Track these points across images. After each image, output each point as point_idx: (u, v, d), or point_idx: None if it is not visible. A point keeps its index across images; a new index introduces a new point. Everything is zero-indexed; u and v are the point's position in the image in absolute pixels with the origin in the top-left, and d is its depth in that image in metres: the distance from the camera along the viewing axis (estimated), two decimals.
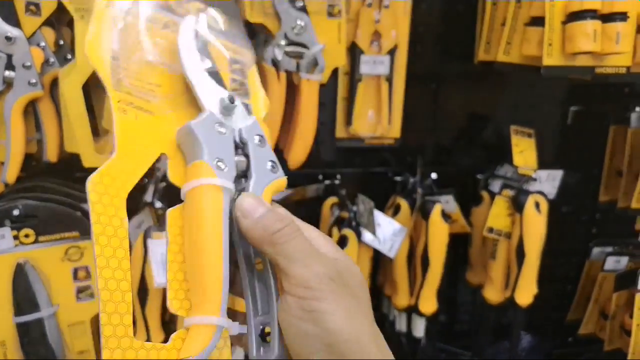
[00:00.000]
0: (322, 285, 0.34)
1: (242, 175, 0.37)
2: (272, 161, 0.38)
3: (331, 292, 0.34)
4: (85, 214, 0.80)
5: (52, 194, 0.80)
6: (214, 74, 0.39)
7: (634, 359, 0.96)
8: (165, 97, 0.39)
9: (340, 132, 0.93)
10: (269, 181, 0.37)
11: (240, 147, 0.38)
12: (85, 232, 0.78)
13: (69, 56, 0.77)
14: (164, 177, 0.83)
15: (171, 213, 0.36)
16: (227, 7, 0.45)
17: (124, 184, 0.35)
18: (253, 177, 0.37)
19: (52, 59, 0.74)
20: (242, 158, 0.37)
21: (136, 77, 0.38)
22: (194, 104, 0.39)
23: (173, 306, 0.35)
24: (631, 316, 0.96)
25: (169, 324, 0.89)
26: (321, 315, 0.33)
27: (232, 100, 0.37)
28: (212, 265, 0.33)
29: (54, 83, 0.76)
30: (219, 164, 0.35)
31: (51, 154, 0.78)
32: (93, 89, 0.81)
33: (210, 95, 0.38)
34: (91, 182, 0.34)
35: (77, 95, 0.69)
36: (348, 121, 0.91)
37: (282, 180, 0.38)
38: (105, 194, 0.34)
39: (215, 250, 0.34)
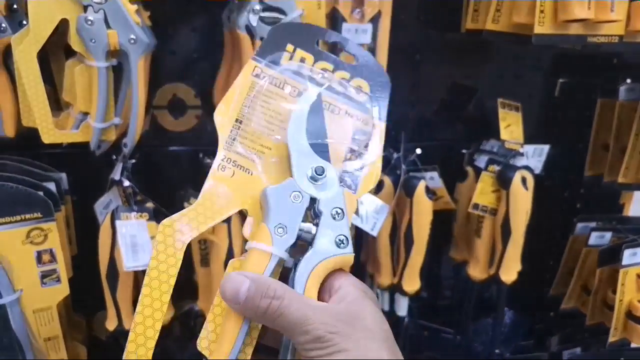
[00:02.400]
0: (327, 340, 0.35)
1: (309, 244, 0.39)
2: (342, 236, 0.39)
3: (339, 339, 0.35)
4: (48, 194, 0.75)
5: (11, 172, 0.75)
6: (318, 145, 0.43)
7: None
8: (270, 159, 0.43)
9: None
10: (330, 255, 0.39)
11: (315, 217, 0.40)
12: (48, 213, 0.73)
13: (25, 22, 0.70)
14: (132, 155, 0.78)
15: (232, 263, 0.41)
16: (376, 77, 0.47)
17: (190, 231, 0.40)
18: (313, 248, 0.39)
19: (4, 25, 0.67)
20: (312, 228, 0.39)
21: (251, 138, 0.43)
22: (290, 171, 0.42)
23: (201, 344, 0.39)
24: (614, 291, 0.96)
25: None
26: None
27: (319, 172, 0.40)
28: (234, 320, 0.37)
29: (8, 51, 0.69)
30: (279, 229, 0.39)
31: (8, 129, 0.72)
32: (53, 57, 0.75)
33: (302, 165, 0.41)
34: (162, 224, 0.39)
35: (32, 64, 0.63)
36: None
37: (346, 257, 0.39)
38: (171, 237, 0.39)
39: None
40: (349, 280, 0.39)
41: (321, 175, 0.40)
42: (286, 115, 0.44)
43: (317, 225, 0.40)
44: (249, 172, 0.42)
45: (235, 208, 0.41)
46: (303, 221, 0.40)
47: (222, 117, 0.44)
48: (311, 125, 0.43)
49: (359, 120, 0.46)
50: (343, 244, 0.39)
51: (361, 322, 0.37)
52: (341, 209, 0.40)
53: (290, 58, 0.46)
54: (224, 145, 0.43)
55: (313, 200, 0.40)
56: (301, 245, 0.40)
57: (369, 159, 0.45)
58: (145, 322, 0.37)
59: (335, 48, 0.58)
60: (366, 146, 0.45)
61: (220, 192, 0.41)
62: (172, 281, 0.39)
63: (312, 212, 0.40)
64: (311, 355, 0.35)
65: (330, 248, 0.39)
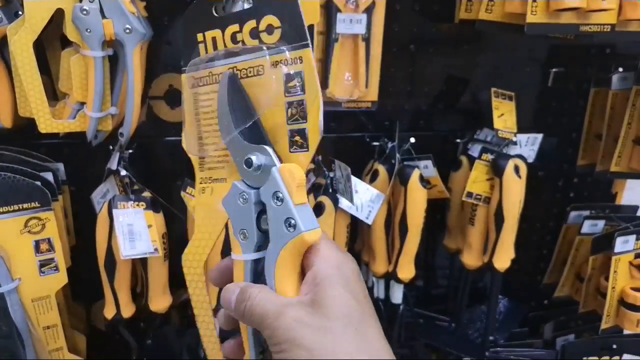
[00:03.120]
0: (284, 340, 0.36)
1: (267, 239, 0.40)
2: (289, 219, 0.38)
3: (294, 335, 0.35)
4: (46, 184, 0.75)
5: (8, 162, 0.75)
6: (249, 130, 0.41)
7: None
8: (231, 159, 0.42)
9: None
10: (285, 241, 0.38)
11: (263, 209, 0.40)
12: (45, 202, 0.73)
13: (20, 12, 0.70)
14: (129, 145, 0.78)
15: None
16: (281, 4, 0.42)
17: (202, 254, 0.45)
18: (271, 240, 0.39)
19: None
20: (265, 222, 0.40)
21: (213, 147, 0.43)
22: None
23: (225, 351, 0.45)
24: (607, 279, 0.97)
25: (139, 296, 0.87)
26: None
27: (248, 164, 0.39)
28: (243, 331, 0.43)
29: (4, 42, 0.69)
30: (241, 236, 0.40)
31: (5, 120, 0.73)
32: (49, 47, 0.76)
33: (239, 159, 0.40)
34: (184, 257, 0.46)
35: (28, 54, 0.64)
36: (324, 84, 0.87)
37: (300, 237, 0.38)
38: (193, 262, 0.46)
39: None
40: (320, 260, 0.38)
41: (250, 166, 0.40)
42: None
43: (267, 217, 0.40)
44: (223, 181, 0.43)
45: (222, 222, 0.44)
46: (258, 217, 0.40)
47: (188, 143, 0.44)
48: (237, 111, 0.41)
49: (284, 63, 0.41)
50: (292, 227, 0.38)
51: (324, 311, 0.36)
52: (280, 193, 0.38)
53: (205, 46, 0.44)
54: (198, 168, 0.44)
55: (258, 193, 0.40)
56: (263, 241, 0.41)
57: (308, 100, 0.41)
58: (206, 332, 0.48)
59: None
60: (302, 88, 0.41)
61: (207, 214, 0.43)
62: (205, 292, 0.47)
63: (261, 204, 0.40)
64: (273, 350, 0.36)
65: (283, 235, 0.38)
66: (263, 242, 0.40)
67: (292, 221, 0.38)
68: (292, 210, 0.38)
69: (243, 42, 0.43)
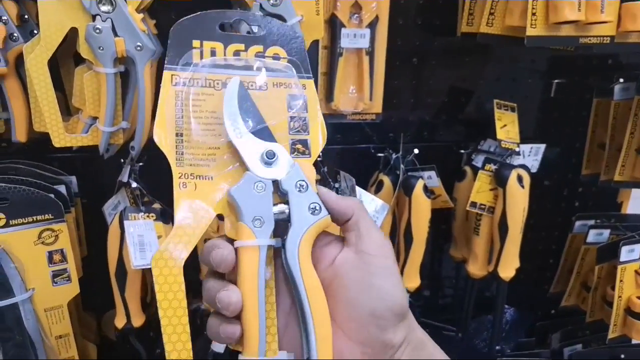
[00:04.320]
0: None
1: (288, 222, 0.41)
2: (313, 204, 0.41)
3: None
4: (59, 196, 0.77)
5: (23, 175, 0.77)
6: (260, 131, 0.43)
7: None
8: (223, 157, 0.43)
9: (321, 108, 0.91)
10: (309, 225, 0.41)
11: (282, 197, 0.42)
12: (59, 214, 0.75)
13: (35, 31, 0.73)
14: (140, 158, 0.80)
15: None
16: (289, 39, 0.47)
17: (180, 255, 0.41)
18: (293, 224, 0.41)
19: (15, 34, 0.71)
20: (284, 208, 0.41)
21: (197, 145, 0.43)
22: None
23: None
24: (613, 288, 0.97)
25: (149, 306, 0.88)
26: None
27: (270, 156, 0.42)
28: (250, 318, 0.39)
29: (20, 59, 0.72)
30: (256, 222, 0.40)
31: (20, 134, 0.75)
32: (63, 64, 0.78)
33: (252, 154, 0.42)
34: (153, 259, 0.40)
35: (43, 72, 0.66)
36: (329, 97, 0.89)
37: (323, 220, 0.41)
38: (165, 267, 0.40)
39: (252, 304, 0.39)
40: (338, 249, 0.42)
41: (273, 157, 0.42)
42: (221, 112, 0.44)
43: (287, 203, 0.41)
44: (209, 179, 0.43)
45: (210, 217, 0.42)
46: (274, 205, 0.41)
47: (161, 137, 0.43)
48: (246, 114, 0.43)
49: (288, 86, 0.46)
50: (317, 210, 0.41)
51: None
52: (303, 181, 0.42)
53: (201, 53, 0.45)
54: (175, 163, 0.42)
55: (275, 182, 0.42)
56: (281, 225, 0.41)
57: (310, 118, 0.46)
58: (176, 347, 0.40)
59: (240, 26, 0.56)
60: (305, 108, 0.46)
61: (190, 209, 0.41)
62: (184, 303, 0.41)
63: (279, 193, 0.42)
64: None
65: (306, 218, 0.41)
66: (275, 229, 0.41)
67: (317, 206, 0.41)
68: (315, 196, 0.42)
69: (247, 64, 0.46)
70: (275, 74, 0.46)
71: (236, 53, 0.46)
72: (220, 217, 0.43)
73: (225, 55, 0.46)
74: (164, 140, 0.43)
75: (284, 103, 0.46)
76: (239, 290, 0.40)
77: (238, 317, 0.40)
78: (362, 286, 0.40)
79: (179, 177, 0.42)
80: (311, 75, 0.47)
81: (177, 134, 0.43)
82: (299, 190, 0.42)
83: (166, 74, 0.44)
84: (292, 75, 0.46)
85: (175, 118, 0.43)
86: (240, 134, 0.43)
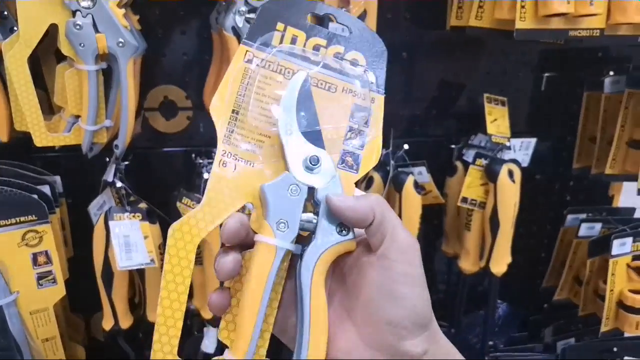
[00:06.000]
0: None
1: (312, 233, 0.39)
2: (342, 223, 0.39)
3: None
4: (42, 197, 0.76)
5: (5, 176, 0.76)
6: (311, 134, 0.42)
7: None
8: (270, 147, 0.42)
9: None
10: (332, 243, 0.39)
11: (315, 206, 0.40)
12: (42, 215, 0.74)
13: (15, 27, 0.71)
14: (125, 156, 0.79)
15: (243, 255, 0.41)
16: (371, 48, 0.46)
17: (199, 232, 0.40)
18: (316, 238, 0.39)
19: None
20: (312, 218, 0.39)
21: (250, 128, 0.42)
22: None
23: (221, 335, 0.41)
24: (605, 282, 0.97)
25: (137, 307, 0.87)
26: None
27: (314, 162, 0.40)
28: (247, 315, 0.38)
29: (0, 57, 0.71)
30: (280, 225, 0.39)
31: (1, 134, 0.74)
32: (44, 62, 0.77)
33: (296, 155, 0.40)
34: (171, 228, 0.39)
35: (22, 69, 0.65)
36: None
37: (348, 243, 0.39)
38: (181, 240, 0.40)
39: (253, 302, 0.38)
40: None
41: (316, 164, 0.40)
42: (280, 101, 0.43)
43: (317, 214, 0.39)
44: (251, 165, 0.42)
45: (240, 203, 0.41)
46: (303, 212, 0.39)
47: (218, 110, 0.42)
48: (303, 112, 0.42)
49: (357, 95, 0.44)
50: (344, 230, 0.39)
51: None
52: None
53: (282, 37, 0.44)
54: (222, 139, 0.42)
55: (311, 190, 0.40)
56: (305, 234, 0.40)
57: (369, 136, 0.43)
58: (167, 323, 0.39)
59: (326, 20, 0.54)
60: (366, 122, 0.44)
61: (224, 189, 0.41)
62: (188, 282, 0.39)
63: (312, 202, 0.40)
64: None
65: (332, 236, 0.39)
66: (298, 237, 0.40)
67: (345, 226, 0.39)
68: None
69: (324, 60, 0.45)
70: (348, 79, 0.44)
71: (316, 47, 0.45)
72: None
73: (305, 46, 0.44)
74: (219, 112, 0.42)
75: (347, 110, 0.44)
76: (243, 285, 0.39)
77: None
78: (381, 292, 0.38)
79: (222, 154, 0.41)
80: (384, 90, 0.45)
81: (233, 110, 0.42)
82: None
83: (241, 48, 0.43)
84: (365, 85, 0.45)
85: (236, 94, 0.43)
86: (290, 131, 0.41)
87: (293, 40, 0.44)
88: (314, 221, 0.39)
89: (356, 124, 0.43)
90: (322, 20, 0.51)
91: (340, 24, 0.47)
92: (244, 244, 0.40)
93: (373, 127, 0.44)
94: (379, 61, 0.46)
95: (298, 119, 0.42)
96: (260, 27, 0.44)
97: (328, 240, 0.39)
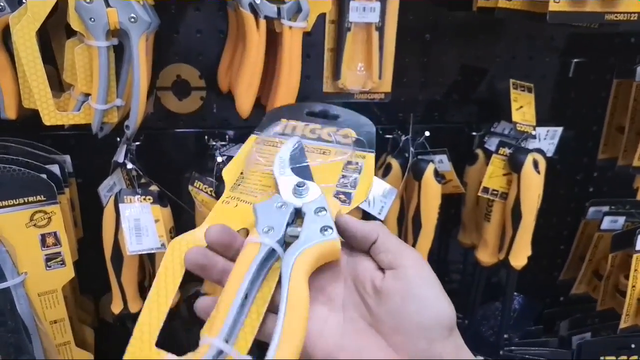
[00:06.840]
0: None
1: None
2: (325, 226, 0.41)
3: None
4: (51, 177, 0.74)
5: (14, 155, 0.74)
6: (300, 169, 0.48)
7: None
8: (269, 192, 0.49)
9: (327, 86, 0.86)
10: (315, 241, 0.40)
11: (300, 219, 0.43)
12: (51, 195, 0.72)
13: (24, 0, 0.68)
14: (137, 137, 0.77)
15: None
16: (361, 126, 0.58)
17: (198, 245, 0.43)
18: (299, 238, 0.40)
19: (2, 3, 0.66)
20: (298, 227, 0.42)
21: (252, 181, 0.51)
22: None
23: (202, 330, 0.41)
24: (627, 277, 0.95)
25: (146, 291, 0.85)
26: None
27: (301, 185, 0.44)
28: (223, 300, 0.39)
29: (7, 31, 0.67)
30: (267, 229, 0.41)
31: (9, 111, 0.71)
32: (54, 36, 0.74)
33: (287, 183, 0.46)
34: (171, 243, 0.43)
35: (30, 44, 0.62)
36: (336, 75, 0.84)
37: (331, 241, 0.40)
38: (179, 256, 0.42)
39: (232, 291, 0.39)
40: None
41: (303, 186, 0.44)
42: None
43: (302, 223, 0.42)
44: (250, 204, 0.47)
45: (237, 227, 0.45)
46: (289, 225, 0.42)
47: (229, 173, 0.52)
48: (296, 157, 0.49)
49: (348, 155, 0.53)
50: (327, 230, 0.41)
51: None
52: (323, 208, 0.42)
53: (284, 127, 0.56)
54: (229, 189, 0.50)
55: (298, 210, 0.43)
56: (290, 243, 0.41)
57: (361, 180, 0.51)
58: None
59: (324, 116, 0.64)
60: (359, 171, 0.52)
61: (225, 214, 0.46)
62: (173, 294, 0.41)
63: (301, 219, 0.43)
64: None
65: (315, 235, 0.41)
66: (284, 242, 0.42)
67: (329, 228, 0.41)
68: (331, 221, 0.41)
69: (320, 137, 0.56)
70: (340, 147, 0.54)
71: (312, 130, 0.56)
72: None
73: (302, 130, 0.56)
74: (230, 174, 0.52)
75: (340, 167, 0.52)
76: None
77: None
78: (405, 297, 0.38)
79: (227, 197, 0.49)
80: (374, 151, 0.54)
81: (241, 173, 0.52)
82: (316, 214, 0.42)
83: (251, 137, 0.57)
84: (355, 148, 0.54)
85: (245, 163, 0.53)
86: (283, 172, 0.47)
87: (293, 128, 0.57)
88: (299, 229, 0.42)
89: (348, 173, 0.51)
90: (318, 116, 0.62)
91: (333, 114, 0.59)
92: (228, 255, 0.42)
93: (364, 174, 0.51)
94: (368, 133, 0.56)
95: (292, 162, 0.49)
96: (266, 124, 0.58)
97: (310, 238, 0.40)
